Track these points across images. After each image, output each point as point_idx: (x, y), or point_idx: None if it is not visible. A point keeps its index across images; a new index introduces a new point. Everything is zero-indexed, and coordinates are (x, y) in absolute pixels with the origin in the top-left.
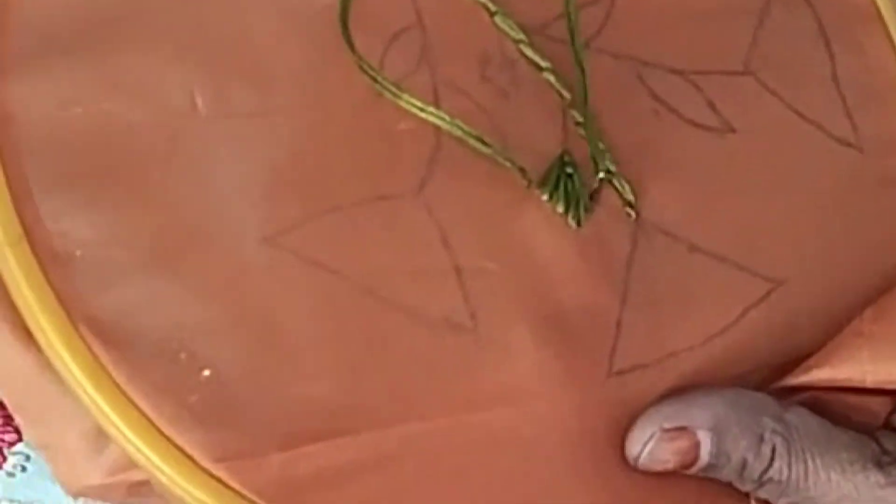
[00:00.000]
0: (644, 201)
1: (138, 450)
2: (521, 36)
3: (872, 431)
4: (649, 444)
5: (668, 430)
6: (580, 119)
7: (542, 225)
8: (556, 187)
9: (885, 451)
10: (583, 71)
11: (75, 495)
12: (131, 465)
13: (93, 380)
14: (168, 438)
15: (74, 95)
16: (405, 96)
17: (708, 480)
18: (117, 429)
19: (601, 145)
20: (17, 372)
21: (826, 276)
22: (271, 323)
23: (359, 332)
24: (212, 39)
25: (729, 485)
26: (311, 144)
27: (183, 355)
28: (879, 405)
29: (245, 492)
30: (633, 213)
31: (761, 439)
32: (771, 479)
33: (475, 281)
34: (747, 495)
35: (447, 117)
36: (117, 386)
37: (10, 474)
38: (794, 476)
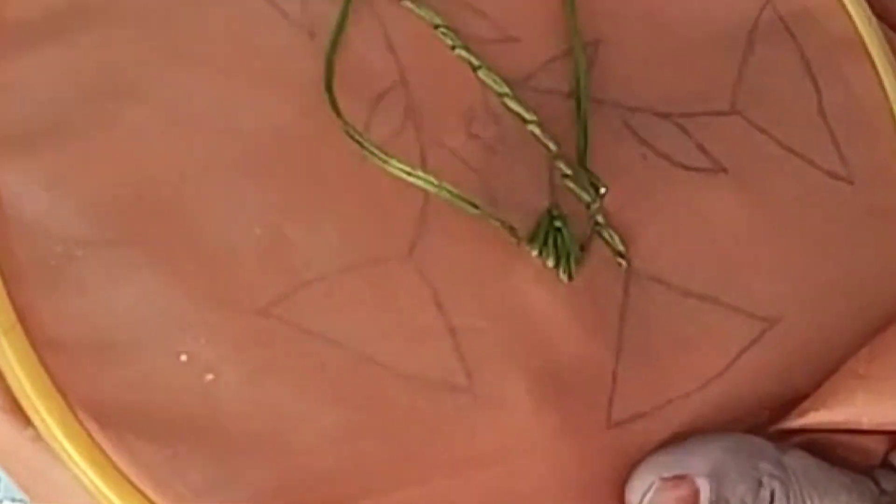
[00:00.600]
0: (635, 249)
1: None
2: (505, 89)
3: (871, 471)
4: (649, 494)
5: (667, 479)
6: (567, 171)
7: (533, 280)
8: (546, 242)
9: (883, 492)
10: (585, 121)
11: None
12: None
13: (93, 465)
14: None
15: (61, 176)
16: (393, 161)
17: None
18: None
19: (588, 197)
20: (19, 457)
21: (821, 312)
22: (269, 395)
23: (356, 398)
24: (199, 109)
25: None
26: (299, 213)
27: (183, 437)
28: (877, 444)
29: None
30: (623, 263)
31: (760, 484)
32: None
33: (469, 340)
34: None
35: (435, 181)
36: (118, 470)
37: None
38: None
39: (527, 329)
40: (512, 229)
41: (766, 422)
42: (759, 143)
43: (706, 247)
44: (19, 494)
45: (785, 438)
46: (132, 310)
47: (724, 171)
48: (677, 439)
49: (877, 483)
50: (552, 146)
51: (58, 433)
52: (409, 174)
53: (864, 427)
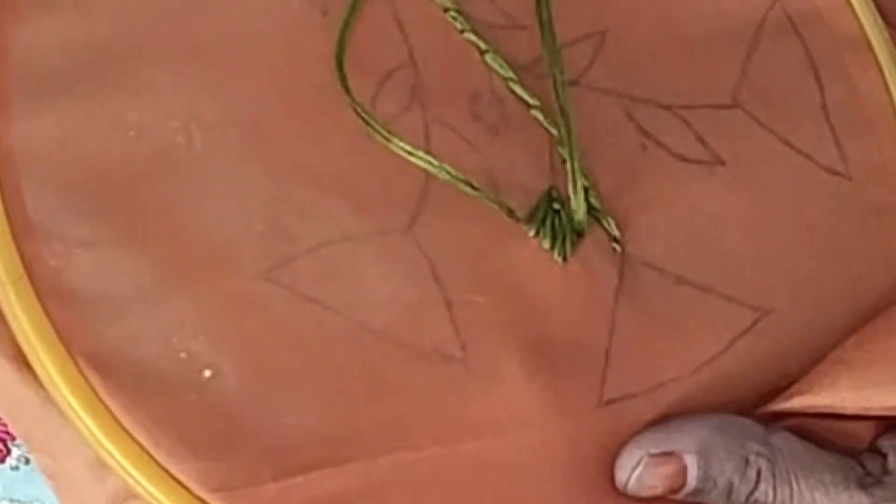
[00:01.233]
0: (630, 236)
1: (136, 481)
2: (511, 74)
3: (857, 454)
4: (637, 470)
5: (655, 456)
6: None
7: (529, 259)
8: (543, 223)
9: (868, 473)
10: (563, 112)
11: None
12: (131, 494)
13: (91, 413)
14: (165, 469)
15: (74, 133)
16: (395, 140)
17: None
18: (116, 460)
19: (586, 183)
20: (22, 404)
21: (814, 304)
22: (266, 355)
23: (351, 364)
24: (209, 77)
25: None
26: (305, 181)
27: (180, 391)
28: (864, 429)
29: None
30: (618, 248)
31: (747, 462)
32: (756, 501)
33: (465, 314)
34: None
35: (435, 162)
36: (115, 418)
37: (15, 468)
38: (779, 498)
39: (522, 306)
40: (510, 210)
41: (755, 408)
42: (758, 137)
43: (701, 236)
44: (18, 494)
45: (773, 421)
46: (138, 268)
47: (722, 163)
48: (676, 421)
49: (862, 465)
50: (554, 131)
51: (58, 381)
52: (410, 154)
53: (848, 412)
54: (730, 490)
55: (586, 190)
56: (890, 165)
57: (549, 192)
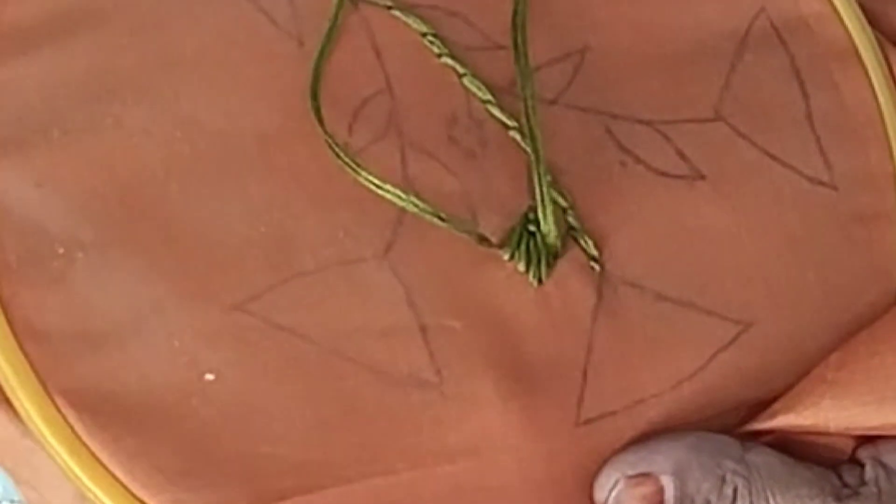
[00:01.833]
0: (609, 254)
1: None
2: (489, 97)
3: (836, 466)
4: (615, 491)
5: (632, 477)
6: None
7: (504, 282)
8: (519, 246)
9: (845, 485)
10: (532, 137)
11: None
12: None
13: (69, 449)
14: (142, 502)
15: (51, 175)
16: (363, 173)
17: None
18: (94, 495)
19: (564, 203)
20: (4, 440)
21: (797, 316)
22: (241, 386)
23: (326, 392)
24: (186, 112)
25: None
26: (279, 213)
27: (155, 423)
28: (844, 442)
29: None
30: (597, 268)
31: (723, 481)
32: None
33: (440, 339)
34: None
35: (403, 195)
36: (93, 454)
37: None
38: None
39: (497, 329)
40: (481, 237)
41: (737, 423)
42: (740, 150)
43: (681, 252)
44: (18, 495)
45: (754, 437)
46: (112, 304)
47: (703, 177)
48: (647, 438)
49: (840, 477)
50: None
51: (36, 419)
52: (378, 186)
53: (831, 431)
54: None
55: (564, 210)
56: (877, 174)
57: (525, 215)
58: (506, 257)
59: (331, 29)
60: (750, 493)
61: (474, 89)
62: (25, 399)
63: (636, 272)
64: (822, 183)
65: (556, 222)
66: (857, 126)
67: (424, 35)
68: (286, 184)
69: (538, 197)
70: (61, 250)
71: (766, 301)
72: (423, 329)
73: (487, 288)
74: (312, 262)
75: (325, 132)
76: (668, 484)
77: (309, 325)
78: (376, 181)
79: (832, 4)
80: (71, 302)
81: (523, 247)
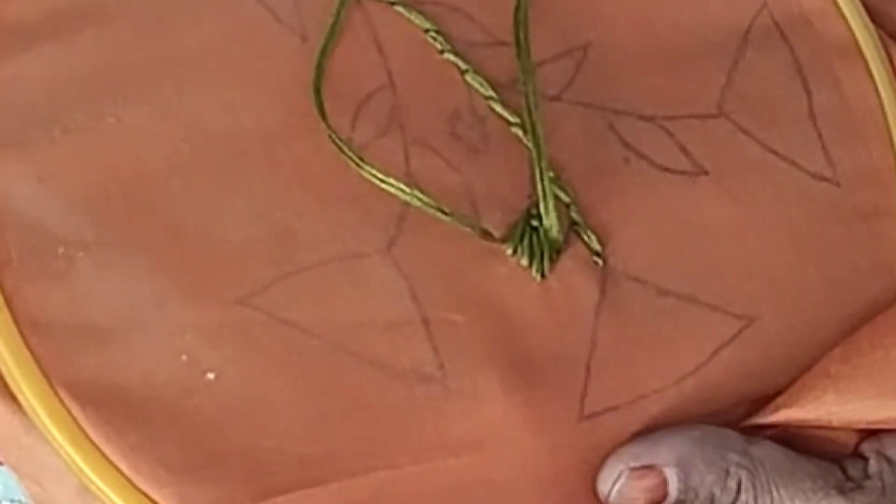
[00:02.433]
0: (611, 249)
1: None
2: (491, 93)
3: (840, 460)
4: (618, 483)
5: (635, 469)
6: (549, 173)
7: (507, 277)
8: (521, 241)
9: (849, 478)
10: (534, 133)
11: None
12: None
13: (72, 442)
14: (145, 494)
15: (53, 171)
16: (367, 167)
17: None
18: (98, 487)
19: (566, 198)
20: (7, 434)
21: (799, 311)
22: (244, 380)
23: (329, 386)
24: (189, 108)
25: None
26: (283, 207)
27: (159, 417)
28: (848, 436)
29: None
30: (600, 262)
31: (727, 473)
32: None
33: (443, 333)
34: None
35: (407, 188)
36: (97, 447)
37: None
38: None
39: (500, 323)
40: (485, 232)
41: (740, 417)
42: (742, 146)
43: (684, 247)
44: (18, 495)
45: (757, 432)
46: (114, 299)
47: (705, 173)
48: (656, 433)
49: (844, 471)
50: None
51: (40, 412)
52: (381, 181)
53: (834, 425)
54: (711, 501)
55: (567, 205)
56: (879, 169)
57: (527, 210)
58: (508, 252)
59: (333, 24)
60: (754, 486)
61: (477, 85)
62: (29, 392)
63: (639, 267)
64: (824, 179)
65: (559, 217)
66: (859, 122)
67: (427, 31)
68: (289, 180)
69: (540, 192)
70: (61, 250)
71: (768, 296)
72: (426, 323)
73: (490, 282)
74: (315, 257)
75: (329, 127)
76: (672, 476)
77: (312, 319)
78: (380, 175)
79: (834, 1)
80: (74, 297)
81: (526, 241)
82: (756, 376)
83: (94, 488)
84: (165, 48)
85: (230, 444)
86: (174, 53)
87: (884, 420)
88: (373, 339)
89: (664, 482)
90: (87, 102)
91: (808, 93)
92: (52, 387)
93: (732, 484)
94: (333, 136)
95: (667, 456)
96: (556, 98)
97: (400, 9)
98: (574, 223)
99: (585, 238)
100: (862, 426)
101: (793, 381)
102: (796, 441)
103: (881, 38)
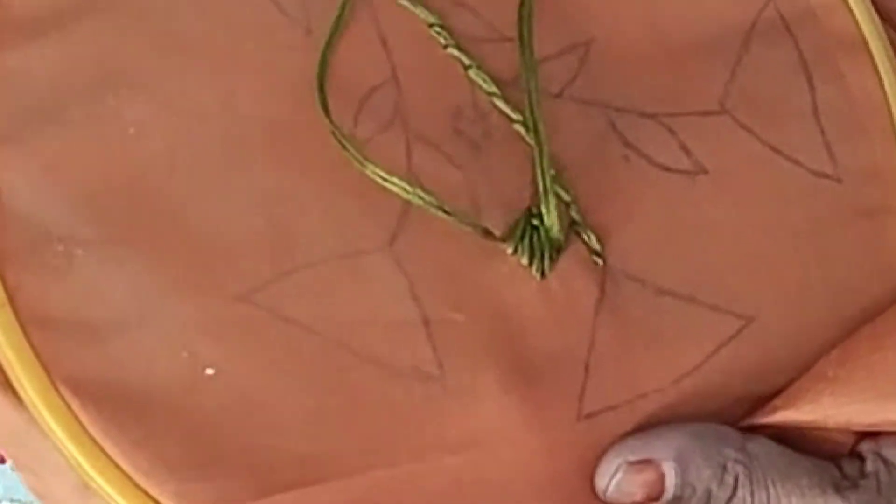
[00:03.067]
0: (611, 248)
1: (118, 503)
2: (494, 89)
3: (837, 459)
4: (616, 477)
5: (633, 463)
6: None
7: (508, 276)
8: (522, 240)
9: (845, 477)
10: (536, 132)
11: None
12: None
13: (73, 438)
14: (145, 491)
15: (57, 164)
16: (370, 166)
17: None
18: (97, 483)
19: (567, 197)
20: (9, 427)
21: (800, 311)
22: (245, 377)
23: (329, 384)
24: (192, 100)
25: None
26: (285, 203)
27: (159, 414)
28: (845, 436)
29: None
30: (599, 262)
31: (724, 469)
32: None
33: (443, 332)
34: None
35: (409, 187)
36: (96, 443)
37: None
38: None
39: (500, 323)
40: (486, 231)
41: (738, 417)
42: (744, 143)
43: (683, 246)
44: (18, 494)
45: (755, 431)
46: (115, 294)
47: (705, 171)
48: (653, 429)
49: (840, 469)
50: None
51: (41, 407)
52: (384, 179)
53: (830, 426)
54: (708, 497)
55: (567, 204)
56: (883, 167)
57: (528, 209)
58: (509, 251)
59: (338, 18)
60: (751, 482)
61: (480, 81)
62: (30, 387)
63: (638, 266)
64: (826, 176)
65: (559, 216)
66: (863, 118)
67: (431, 25)
68: (291, 175)
69: (541, 190)
70: (60, 247)
71: (769, 295)
72: (427, 322)
73: (491, 281)
74: (317, 253)
75: (332, 123)
76: (670, 470)
77: (313, 316)
78: (382, 173)
79: None
80: (74, 292)
81: (526, 240)
82: (755, 376)
83: (93, 484)
84: (168, 38)
85: (230, 441)
86: (177, 44)
87: (880, 423)
88: (373, 337)
89: (662, 477)
90: (88, 95)
91: (812, 88)
92: (52, 382)
93: (729, 479)
94: (336, 132)
95: (665, 450)
96: (559, 95)
97: (404, 2)
98: (574, 222)
99: (585, 238)
100: (858, 428)
101: (792, 381)
102: (794, 440)
103: (888, 34)
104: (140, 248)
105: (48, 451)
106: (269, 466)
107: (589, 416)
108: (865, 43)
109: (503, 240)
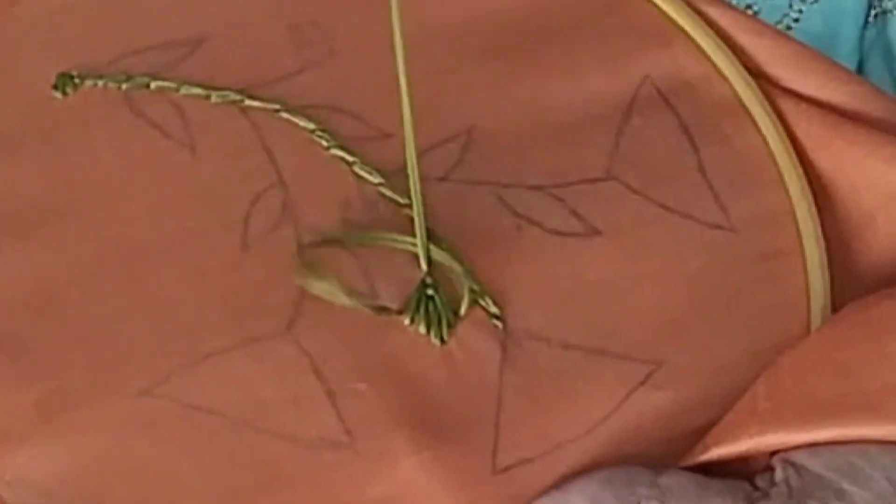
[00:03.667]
0: (511, 311)
1: None
2: (379, 179)
3: (750, 476)
4: None
5: None
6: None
7: (408, 345)
8: (418, 310)
9: (756, 489)
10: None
11: None
12: None
13: None
14: None
15: None
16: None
17: None
18: None
19: (460, 268)
20: None
21: (706, 352)
22: (156, 464)
23: (238, 461)
24: (91, 226)
25: None
26: (184, 302)
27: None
28: (761, 457)
29: None
30: (499, 324)
31: None
32: None
33: (348, 402)
34: None
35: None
36: None
37: None
38: None
39: (404, 388)
40: (380, 308)
41: (661, 457)
42: (634, 205)
43: (583, 303)
44: None
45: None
46: (24, 400)
47: (598, 233)
48: (567, 482)
49: (752, 484)
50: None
51: None
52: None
53: (760, 453)
54: None
55: (463, 273)
56: (775, 213)
57: (422, 281)
58: (406, 322)
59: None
60: None
61: (365, 174)
62: None
63: (540, 325)
64: (720, 227)
65: (454, 285)
66: (750, 171)
67: (313, 131)
68: (188, 278)
69: (421, 250)
70: None
71: (672, 341)
72: (331, 395)
73: (392, 351)
74: (217, 344)
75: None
76: None
77: (217, 401)
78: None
79: (714, 65)
80: None
81: (422, 311)
82: (670, 417)
83: None
84: (64, 178)
85: None
86: (74, 182)
87: (801, 443)
88: (279, 414)
89: None
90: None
91: (696, 150)
92: None
93: None
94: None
95: (578, 502)
96: (444, 178)
97: (284, 114)
98: (471, 290)
99: (483, 303)
100: (781, 448)
101: (708, 418)
102: (711, 468)
103: (768, 94)
104: (46, 355)
105: None
106: None
107: (504, 470)
108: (744, 106)
109: (399, 313)
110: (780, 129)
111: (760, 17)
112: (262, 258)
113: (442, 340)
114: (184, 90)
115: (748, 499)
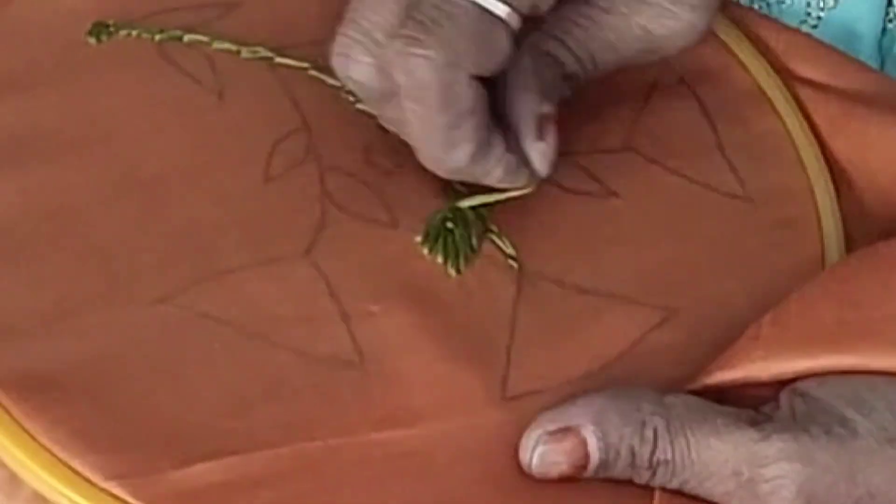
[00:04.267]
0: (527, 254)
1: (40, 478)
2: None
3: (756, 405)
4: (538, 449)
5: (553, 433)
6: (460, 189)
7: (425, 273)
8: (437, 241)
9: (759, 413)
10: None
11: None
12: (42, 499)
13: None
14: (64, 463)
15: None
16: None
17: (610, 490)
18: (20, 462)
19: (482, 209)
20: None
21: (720, 306)
22: (166, 365)
23: (248, 371)
24: (115, 155)
25: (631, 488)
26: (204, 226)
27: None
28: (767, 390)
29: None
30: (514, 265)
31: (643, 424)
32: (659, 461)
33: (362, 323)
34: (651, 492)
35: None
36: (18, 423)
37: None
38: (677, 452)
39: (418, 312)
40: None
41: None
42: (652, 173)
43: (601, 254)
44: None
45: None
46: (37, 294)
47: (616, 194)
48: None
49: (757, 411)
50: None
51: None
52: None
53: (764, 380)
54: (632, 456)
55: (481, 216)
56: (792, 187)
57: (443, 213)
58: (425, 251)
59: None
60: (669, 432)
61: (391, 127)
62: None
63: (555, 270)
64: (736, 196)
65: (473, 222)
66: (768, 150)
67: (339, 88)
68: (208, 203)
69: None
70: None
71: (688, 292)
72: (345, 317)
73: (409, 277)
74: (236, 262)
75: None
76: (591, 436)
77: (231, 313)
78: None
79: (736, 56)
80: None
81: (441, 241)
82: (683, 359)
83: (15, 465)
84: (90, 111)
85: (152, 416)
86: (101, 115)
87: (805, 371)
88: (292, 330)
89: (583, 443)
90: (15, 162)
91: (715, 130)
92: None
93: (649, 434)
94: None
95: (582, 416)
96: None
97: (314, 72)
98: (488, 230)
99: (500, 243)
100: (788, 377)
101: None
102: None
103: (786, 82)
104: (63, 259)
105: None
106: (192, 438)
107: (513, 398)
108: (764, 93)
109: (422, 241)
110: (799, 114)
111: None
112: (284, 189)
113: (458, 271)
114: (216, 44)
115: (752, 421)
